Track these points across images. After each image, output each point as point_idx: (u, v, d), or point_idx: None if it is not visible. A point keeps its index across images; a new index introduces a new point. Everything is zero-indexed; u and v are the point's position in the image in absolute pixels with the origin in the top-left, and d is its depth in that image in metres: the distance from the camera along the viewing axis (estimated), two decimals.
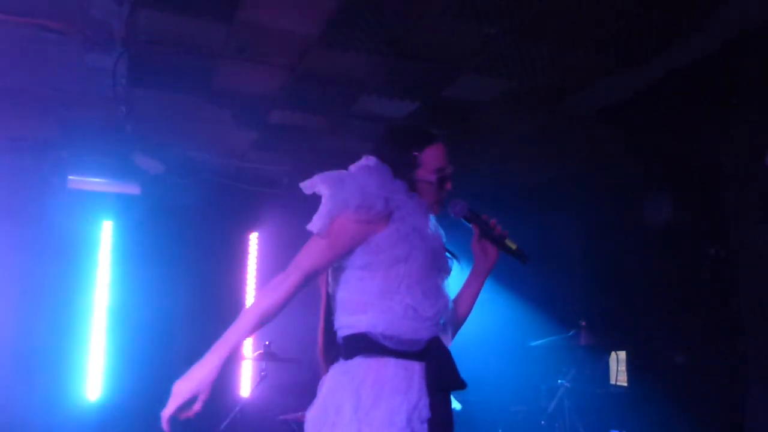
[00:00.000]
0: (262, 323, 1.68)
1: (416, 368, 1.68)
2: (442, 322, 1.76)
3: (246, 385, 5.15)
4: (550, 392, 3.92)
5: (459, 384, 1.72)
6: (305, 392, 4.02)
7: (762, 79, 3.16)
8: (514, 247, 1.86)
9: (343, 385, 1.66)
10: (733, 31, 3.13)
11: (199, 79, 3.67)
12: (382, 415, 1.60)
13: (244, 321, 1.68)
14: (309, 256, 1.69)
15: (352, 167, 1.78)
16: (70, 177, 4.52)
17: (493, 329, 4.79)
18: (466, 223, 1.92)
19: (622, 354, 4.35)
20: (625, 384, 4.38)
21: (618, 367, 4.30)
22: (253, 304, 1.72)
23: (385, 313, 1.68)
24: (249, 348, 5.15)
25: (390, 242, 1.69)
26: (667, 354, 4.02)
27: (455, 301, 1.91)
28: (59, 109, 4.06)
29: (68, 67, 3.50)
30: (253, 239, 5.44)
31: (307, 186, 1.73)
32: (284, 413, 4.06)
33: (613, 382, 4.38)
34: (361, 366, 1.67)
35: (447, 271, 1.83)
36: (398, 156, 1.83)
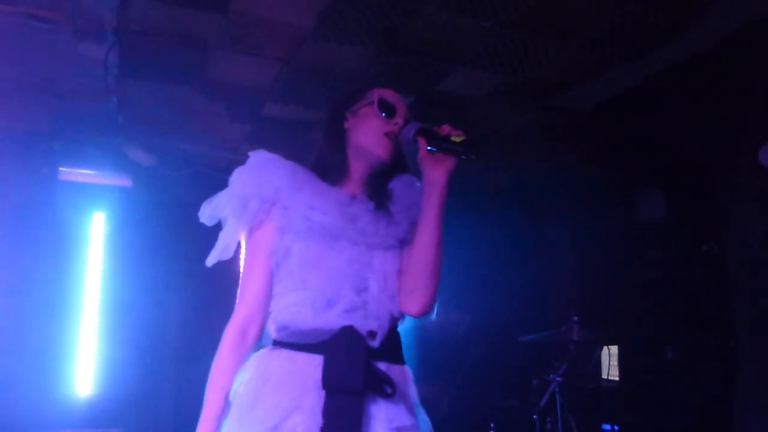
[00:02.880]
0: (223, 383, 1.46)
1: (313, 362, 1.40)
2: (364, 305, 1.47)
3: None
4: (542, 387, 3.92)
5: (352, 383, 1.37)
6: None
7: (755, 78, 3.16)
8: (459, 139, 1.48)
9: (236, 381, 1.46)
10: (727, 30, 3.13)
11: (192, 70, 3.63)
12: (259, 413, 1.37)
13: (205, 398, 1.49)
14: (238, 296, 1.54)
15: (233, 174, 1.59)
16: (60, 168, 4.48)
17: (485, 324, 4.80)
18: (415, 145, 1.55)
19: (614, 349, 4.37)
20: (617, 379, 4.40)
21: (610, 362, 4.32)
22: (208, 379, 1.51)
23: (284, 305, 1.50)
24: None
25: (276, 238, 1.50)
26: (659, 349, 4.04)
27: (414, 246, 1.54)
28: (50, 100, 4.02)
29: (59, 56, 3.46)
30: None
31: (206, 219, 1.56)
32: None
33: (605, 377, 4.40)
34: (252, 360, 1.48)
35: (366, 238, 1.52)
36: (336, 103, 1.66)
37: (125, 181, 4.56)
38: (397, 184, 1.65)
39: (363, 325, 1.46)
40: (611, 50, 3.35)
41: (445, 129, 1.51)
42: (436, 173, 1.50)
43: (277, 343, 1.49)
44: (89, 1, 2.95)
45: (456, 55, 3.41)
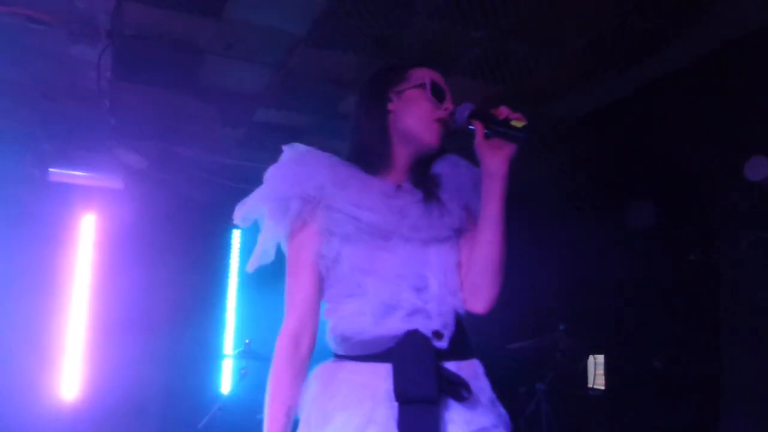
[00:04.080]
0: (283, 397, 1.36)
1: (380, 372, 1.32)
2: (426, 305, 1.37)
3: (226, 382, 5.13)
4: (529, 395, 3.94)
5: (425, 390, 1.28)
6: None
7: (744, 88, 3.20)
8: (520, 124, 1.37)
9: (303, 398, 1.38)
10: (717, 41, 3.18)
11: (185, 74, 3.65)
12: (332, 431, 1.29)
13: (265, 414, 1.37)
14: (286, 304, 1.43)
15: (268, 171, 1.47)
16: (51, 169, 4.47)
17: (472, 331, 4.81)
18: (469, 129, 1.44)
19: (601, 358, 4.39)
20: (603, 387, 4.42)
21: (596, 370, 4.34)
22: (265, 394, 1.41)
23: (341, 315, 1.39)
24: (230, 346, 5.14)
25: (322, 242, 1.39)
26: (646, 358, 4.06)
27: (477, 242, 1.43)
28: (42, 101, 4.01)
29: (52, 58, 3.46)
30: (237, 236, 5.42)
31: (240, 221, 1.46)
32: (263, 412, 4.05)
33: (591, 385, 4.42)
34: (317, 374, 1.39)
35: (419, 233, 1.41)
36: (376, 82, 1.52)
37: (116, 183, 4.56)
38: (442, 167, 1.54)
39: (427, 326, 1.35)
40: (601, 60, 3.39)
41: (504, 111, 1.39)
42: (495, 162, 1.39)
43: (339, 356, 1.40)
44: (84, 4, 2.96)
45: (447, 64, 3.45)
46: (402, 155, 1.49)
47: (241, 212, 1.46)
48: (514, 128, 1.36)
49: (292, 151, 1.46)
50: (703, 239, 3.60)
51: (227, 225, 5.35)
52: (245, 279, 5.35)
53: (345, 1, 2.91)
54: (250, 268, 1.48)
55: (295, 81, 3.71)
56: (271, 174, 1.44)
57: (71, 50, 3.34)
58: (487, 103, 1.44)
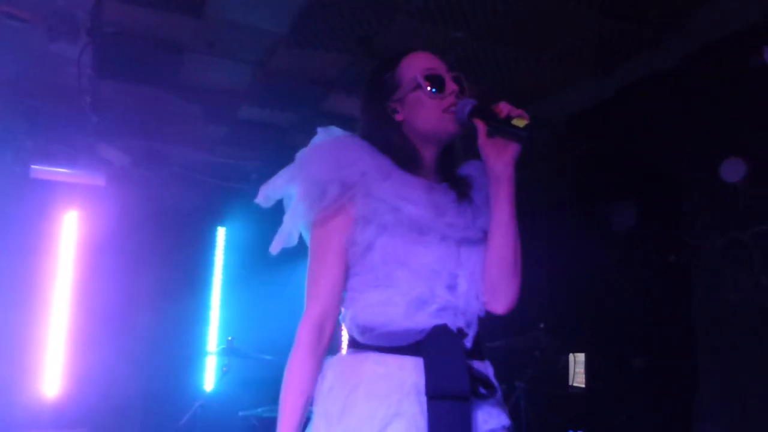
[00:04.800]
0: (303, 387, 1.32)
1: (407, 365, 1.30)
2: (456, 304, 1.36)
3: (208, 380, 5.13)
4: (508, 393, 3.98)
5: (459, 386, 1.26)
6: (267, 388, 4.04)
7: (722, 91, 3.25)
8: (523, 123, 1.33)
9: (318, 389, 1.34)
10: (695, 45, 3.22)
11: (167, 72, 3.64)
12: (353, 422, 1.25)
13: (280, 403, 1.32)
14: (310, 290, 1.38)
15: (301, 153, 1.44)
16: (33, 166, 4.45)
17: None
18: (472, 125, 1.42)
19: (581, 356, 4.44)
20: (583, 386, 4.47)
21: (576, 369, 4.38)
22: (282, 383, 1.36)
23: (366, 304, 1.36)
24: (213, 343, 5.14)
25: (357, 229, 1.36)
26: (625, 357, 4.10)
27: (490, 246, 1.41)
28: (23, 98, 3.99)
29: (33, 55, 3.45)
30: (221, 234, 5.42)
31: (263, 200, 1.43)
32: (245, 409, 4.06)
33: (571, 383, 4.46)
34: (334, 365, 1.36)
35: (455, 232, 1.39)
36: (374, 97, 1.48)
37: (98, 181, 4.54)
38: (470, 170, 1.54)
39: (454, 321, 1.34)
40: (582, 63, 3.42)
41: (504, 108, 1.36)
42: (500, 164, 1.37)
43: (362, 346, 1.36)
44: (63, 1, 2.95)
45: None
46: (427, 154, 1.48)
47: (267, 191, 1.42)
48: (516, 127, 1.34)
49: (329, 135, 1.45)
50: (682, 240, 3.64)
51: (211, 222, 5.35)
52: (229, 276, 5.35)
53: (325, 1, 2.92)
54: (274, 250, 1.43)
55: (277, 79, 3.71)
56: (308, 155, 1.41)
57: (51, 47, 3.32)
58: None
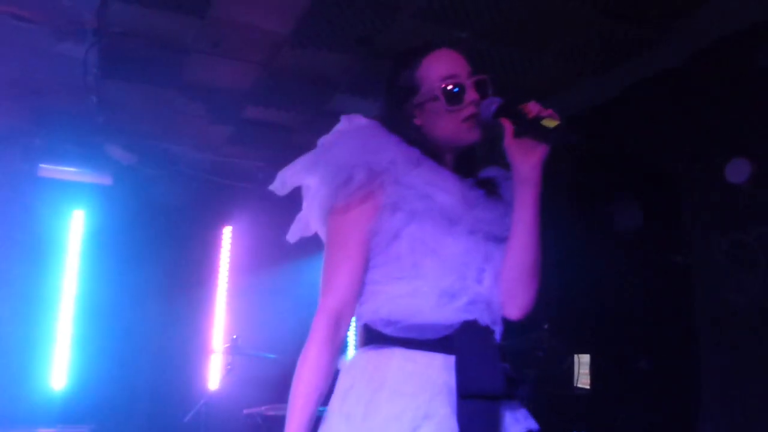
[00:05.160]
0: (317, 383, 1.24)
1: (435, 362, 1.23)
2: (483, 298, 1.30)
3: (213, 378, 5.16)
4: None
5: (493, 386, 1.20)
6: (271, 387, 4.08)
7: (722, 92, 3.24)
8: (553, 124, 1.26)
9: (337, 387, 1.28)
10: (696, 45, 3.21)
11: (172, 72, 3.67)
12: (379, 423, 1.17)
13: (291, 400, 1.24)
14: (327, 281, 1.30)
15: (324, 139, 1.39)
16: (41, 165, 4.50)
17: None
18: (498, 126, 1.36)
19: (586, 357, 4.42)
20: (588, 387, 4.46)
21: (580, 369, 4.37)
22: (294, 378, 1.28)
23: (391, 295, 1.29)
24: (218, 341, 5.17)
25: (384, 217, 1.30)
26: (630, 358, 4.09)
27: (511, 248, 1.36)
28: (31, 97, 4.04)
29: (40, 55, 3.49)
30: (227, 233, 5.45)
31: (279, 186, 1.37)
32: (249, 407, 4.08)
33: (576, 384, 4.44)
34: (356, 361, 1.29)
35: (483, 226, 1.34)
36: (393, 97, 1.43)
37: (105, 179, 4.59)
38: (493, 173, 1.49)
39: (484, 317, 1.28)
40: (583, 63, 3.42)
41: (534, 108, 1.29)
42: (527, 167, 1.31)
43: (386, 340, 1.27)
44: (69, 1, 2.99)
45: None
46: (448, 154, 1.43)
47: (285, 176, 1.36)
48: (546, 128, 1.27)
49: (353, 122, 1.38)
50: (684, 241, 3.63)
51: (217, 222, 5.39)
52: (234, 275, 5.38)
53: (327, 1, 2.93)
54: (291, 238, 1.38)
55: (281, 79, 3.74)
56: (331, 141, 1.35)
57: (58, 47, 3.36)
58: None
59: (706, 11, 2.92)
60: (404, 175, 1.29)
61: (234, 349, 4.33)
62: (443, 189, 1.30)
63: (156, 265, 4.82)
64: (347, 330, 1.30)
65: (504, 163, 1.39)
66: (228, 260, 5.42)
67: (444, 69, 1.39)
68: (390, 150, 1.31)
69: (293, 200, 1.42)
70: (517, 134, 1.30)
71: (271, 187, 1.37)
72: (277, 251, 5.24)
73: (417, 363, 1.23)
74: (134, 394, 4.69)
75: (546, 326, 3.96)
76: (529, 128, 1.28)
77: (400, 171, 1.29)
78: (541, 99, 3.88)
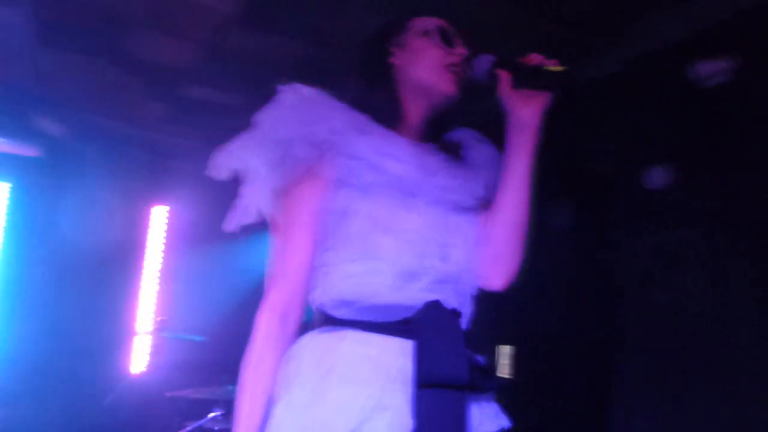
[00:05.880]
0: (264, 385, 1.13)
1: (392, 346, 1.10)
2: (447, 277, 1.18)
3: (137, 361, 5.06)
4: None
5: (455, 374, 1.07)
6: (199, 370, 4.04)
7: (653, 101, 3.41)
8: (557, 69, 1.19)
9: (281, 374, 1.14)
10: (630, 55, 3.38)
11: (111, 45, 3.56)
12: (325, 413, 1.05)
13: (237, 404, 1.14)
14: (272, 271, 1.18)
15: (259, 115, 1.25)
16: None
17: None
18: (492, 83, 1.26)
19: (507, 348, 4.57)
20: (509, 377, 4.61)
21: (502, 360, 4.52)
22: (238, 382, 1.16)
23: (344, 275, 1.16)
24: (142, 323, 5.06)
25: (330, 194, 1.18)
26: (552, 350, 4.25)
27: (500, 205, 1.25)
28: None
29: None
30: (159, 212, 5.33)
31: (216, 170, 1.24)
32: (174, 390, 4.03)
33: (498, 375, 4.60)
34: (303, 345, 1.15)
35: (446, 196, 1.21)
36: (371, 43, 1.36)
37: (33, 151, 4.40)
38: (460, 136, 1.38)
39: (449, 300, 1.16)
40: None
41: (536, 58, 1.22)
42: (527, 111, 1.22)
43: (338, 322, 1.14)
44: None
45: None
46: (414, 112, 1.30)
47: (221, 159, 1.23)
48: (551, 73, 1.19)
49: (292, 92, 1.26)
50: (614, 241, 3.80)
51: (149, 200, 5.26)
52: (168, 256, 5.28)
53: None
54: (229, 226, 1.23)
55: (224, 60, 3.69)
56: (267, 115, 1.22)
57: None
58: None
59: (642, 24, 3.07)
60: (349, 144, 1.17)
61: (160, 331, 4.26)
62: (396, 157, 1.18)
63: (82, 242, 4.67)
64: (296, 325, 1.18)
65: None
66: (162, 240, 5.31)
67: (439, 21, 1.35)
68: (331, 118, 1.19)
69: (231, 182, 1.32)
70: (516, 86, 1.23)
71: (208, 172, 1.24)
72: (212, 233, 5.16)
73: (371, 346, 1.10)
74: (52, 378, 4.52)
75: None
76: (531, 77, 1.21)
77: (344, 141, 1.17)
78: (484, 98, 3.97)
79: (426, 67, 1.28)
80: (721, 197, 3.05)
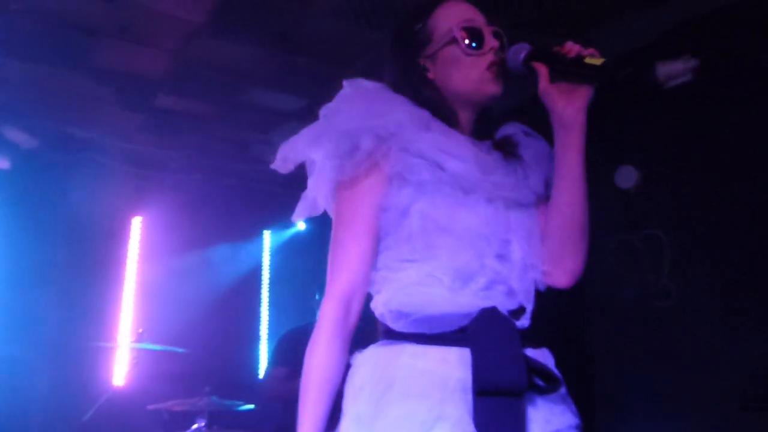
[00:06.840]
0: (330, 374, 1.14)
1: (450, 357, 1.11)
2: (506, 282, 1.17)
3: (117, 374, 5.00)
4: None
5: (511, 379, 1.08)
6: (179, 381, 3.99)
7: (617, 104, 3.44)
8: (599, 62, 1.13)
9: (349, 386, 1.17)
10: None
11: (79, 54, 3.53)
12: (388, 426, 1.08)
13: (303, 394, 1.14)
14: (334, 263, 1.19)
15: (325, 108, 1.23)
16: None
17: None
18: (530, 73, 1.22)
19: None
20: None
21: None
22: (304, 370, 1.17)
23: (402, 284, 1.16)
24: (124, 335, 5.00)
25: (391, 191, 1.17)
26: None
27: (554, 207, 1.24)
28: None
29: None
30: (136, 223, 5.28)
31: (281, 163, 1.23)
32: (155, 403, 3.99)
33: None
34: (367, 359, 1.18)
35: (503, 193, 1.21)
36: (402, 54, 1.31)
37: (2, 164, 4.34)
38: (511, 131, 1.35)
39: (505, 303, 1.16)
40: None
41: (574, 48, 1.17)
42: (570, 110, 1.18)
43: (396, 335, 1.16)
44: None
45: (345, 64, 3.48)
46: (463, 113, 1.29)
47: (286, 152, 1.22)
48: (592, 66, 1.14)
49: (357, 86, 1.25)
50: None
51: (125, 211, 5.20)
52: (144, 267, 5.22)
53: None
54: (297, 218, 1.26)
55: (194, 69, 3.67)
56: (333, 108, 1.21)
57: None
58: None
59: (609, 27, 3.09)
60: (412, 141, 1.16)
61: (140, 343, 4.22)
62: (455, 155, 1.17)
63: (57, 255, 4.62)
64: (358, 315, 1.19)
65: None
66: (137, 252, 5.25)
67: (460, 13, 1.28)
68: (397, 111, 1.18)
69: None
70: (554, 79, 1.18)
71: (273, 165, 1.23)
72: (188, 243, 5.15)
73: (429, 359, 1.11)
74: (30, 393, 4.46)
75: None
76: (570, 70, 1.16)
77: (407, 136, 1.16)
78: None
79: (463, 78, 1.26)
80: (685, 198, 3.10)
